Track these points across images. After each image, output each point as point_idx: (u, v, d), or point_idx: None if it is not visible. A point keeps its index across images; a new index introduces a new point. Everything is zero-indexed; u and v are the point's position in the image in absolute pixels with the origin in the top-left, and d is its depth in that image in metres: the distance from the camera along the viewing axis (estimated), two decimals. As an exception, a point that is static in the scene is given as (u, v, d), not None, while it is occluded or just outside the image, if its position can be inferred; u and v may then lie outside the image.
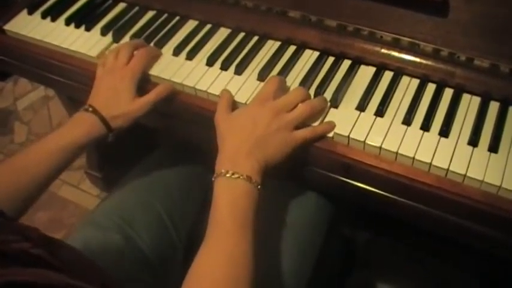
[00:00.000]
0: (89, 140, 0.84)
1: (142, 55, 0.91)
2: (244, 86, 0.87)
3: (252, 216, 0.70)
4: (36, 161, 0.81)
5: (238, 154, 0.74)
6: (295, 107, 0.79)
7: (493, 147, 0.75)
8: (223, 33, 0.98)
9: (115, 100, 0.86)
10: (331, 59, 0.90)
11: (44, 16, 1.06)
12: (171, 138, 1.15)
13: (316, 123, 0.80)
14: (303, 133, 0.78)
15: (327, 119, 0.81)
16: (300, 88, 0.83)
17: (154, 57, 0.94)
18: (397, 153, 0.76)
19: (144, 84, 0.90)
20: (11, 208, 0.77)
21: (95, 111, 0.85)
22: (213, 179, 0.73)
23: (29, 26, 1.05)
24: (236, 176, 0.71)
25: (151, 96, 0.87)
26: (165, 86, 0.90)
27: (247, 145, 0.74)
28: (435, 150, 0.75)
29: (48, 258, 0.51)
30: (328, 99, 0.83)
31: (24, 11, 1.08)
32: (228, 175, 0.72)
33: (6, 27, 1.06)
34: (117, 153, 1.55)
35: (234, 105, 0.84)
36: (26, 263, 0.49)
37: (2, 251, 0.49)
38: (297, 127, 0.78)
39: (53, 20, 1.06)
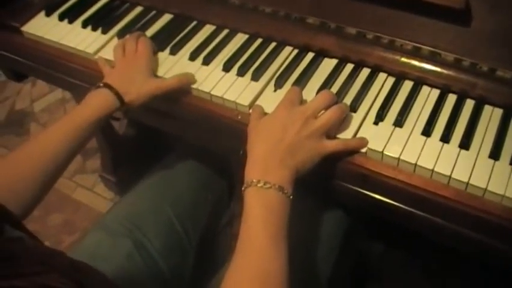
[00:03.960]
0: (102, 113, 0.84)
1: (145, 41, 0.93)
2: (261, 93, 0.86)
3: (285, 229, 0.66)
4: (54, 142, 0.81)
5: (269, 161, 0.70)
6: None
7: (516, 161, 0.73)
8: (240, 38, 0.97)
9: (130, 77, 0.87)
10: (349, 67, 0.89)
11: (61, 18, 1.07)
12: (184, 143, 1.14)
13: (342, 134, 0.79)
14: (335, 144, 0.75)
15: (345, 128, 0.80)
16: (326, 91, 0.80)
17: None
18: (415, 164, 0.74)
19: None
20: (30, 193, 0.78)
21: (107, 86, 0.85)
22: (243, 188, 0.69)
23: (46, 27, 1.05)
24: (268, 186, 0.67)
25: (171, 82, 0.88)
26: (187, 75, 0.90)
27: (278, 152, 0.71)
28: (455, 162, 0.73)
29: None
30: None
31: (42, 13, 1.08)
32: (259, 185, 0.67)
33: (24, 28, 1.06)
34: (132, 157, 1.55)
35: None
36: None
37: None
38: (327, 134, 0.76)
39: (70, 22, 1.06)
